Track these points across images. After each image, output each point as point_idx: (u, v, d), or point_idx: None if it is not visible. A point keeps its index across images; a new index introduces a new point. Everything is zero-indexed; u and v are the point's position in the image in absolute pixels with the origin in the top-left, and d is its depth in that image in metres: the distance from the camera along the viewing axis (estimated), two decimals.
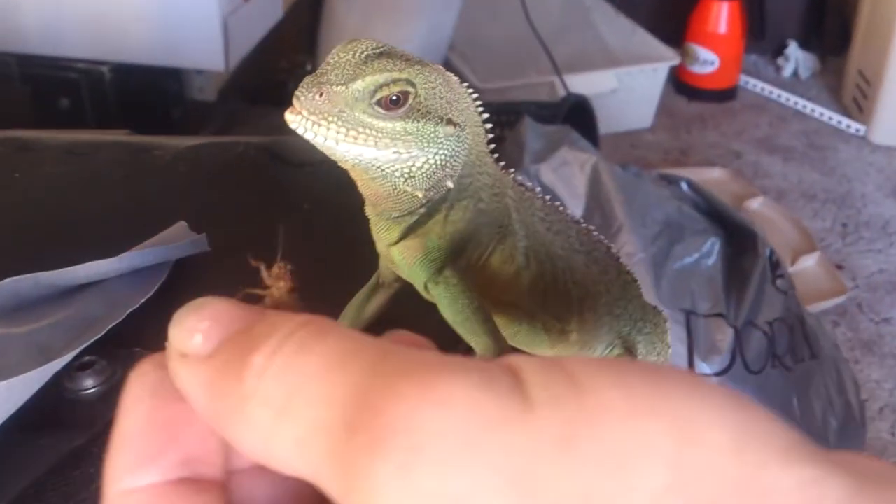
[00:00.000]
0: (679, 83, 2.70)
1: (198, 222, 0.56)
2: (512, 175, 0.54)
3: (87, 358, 0.54)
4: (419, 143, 0.47)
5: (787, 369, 1.30)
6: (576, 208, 1.42)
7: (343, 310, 0.55)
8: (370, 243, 0.51)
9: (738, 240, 1.40)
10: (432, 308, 0.50)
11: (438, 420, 0.18)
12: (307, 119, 0.45)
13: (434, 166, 0.48)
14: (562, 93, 2.20)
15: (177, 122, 1.69)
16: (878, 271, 2.06)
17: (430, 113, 0.47)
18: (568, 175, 1.45)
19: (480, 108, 0.50)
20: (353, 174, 0.49)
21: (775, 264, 1.37)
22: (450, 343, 0.48)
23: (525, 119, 1.57)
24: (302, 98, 0.45)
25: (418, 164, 0.47)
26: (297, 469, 0.20)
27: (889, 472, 0.18)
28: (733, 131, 2.58)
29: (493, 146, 0.52)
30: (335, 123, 0.45)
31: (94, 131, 0.70)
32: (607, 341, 0.62)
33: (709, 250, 1.35)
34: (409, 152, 0.47)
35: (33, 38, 1.50)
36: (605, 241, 0.60)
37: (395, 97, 0.45)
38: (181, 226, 0.56)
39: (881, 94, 2.46)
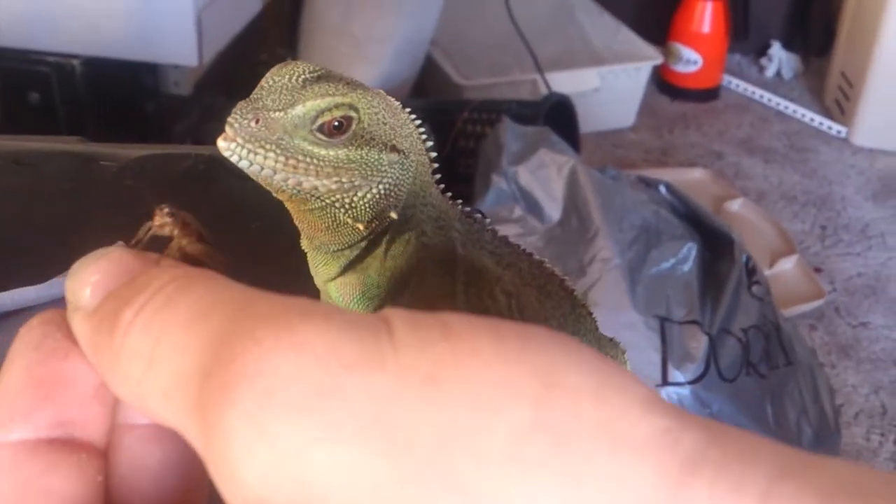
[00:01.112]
0: (662, 82, 2.69)
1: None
2: (459, 206, 0.51)
3: None
4: (362, 172, 0.44)
5: (762, 377, 1.30)
6: (553, 211, 1.41)
7: None
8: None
9: (716, 245, 1.39)
10: None
11: (293, 363, 0.18)
12: (242, 147, 0.42)
13: (377, 196, 0.45)
14: (544, 91, 2.19)
15: (150, 117, 1.66)
16: (856, 275, 2.06)
17: (373, 139, 0.44)
18: (545, 177, 1.44)
19: (424, 136, 0.48)
20: (288, 205, 0.46)
21: (752, 270, 1.36)
22: None
23: (504, 120, 1.55)
24: (236, 125, 0.42)
25: (360, 193, 0.44)
26: (167, 421, 0.20)
27: (747, 435, 0.18)
28: (715, 131, 2.58)
29: (437, 176, 0.50)
30: (273, 151, 0.42)
31: (45, 138, 0.68)
32: None
33: (685, 255, 1.34)
34: (351, 182, 0.44)
35: (2, 31, 1.48)
36: (559, 274, 0.58)
37: (337, 123, 0.43)
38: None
39: (863, 97, 2.46)
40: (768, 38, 2.83)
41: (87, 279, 0.22)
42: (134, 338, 0.20)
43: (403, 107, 0.49)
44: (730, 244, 1.37)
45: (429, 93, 2.34)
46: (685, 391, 1.21)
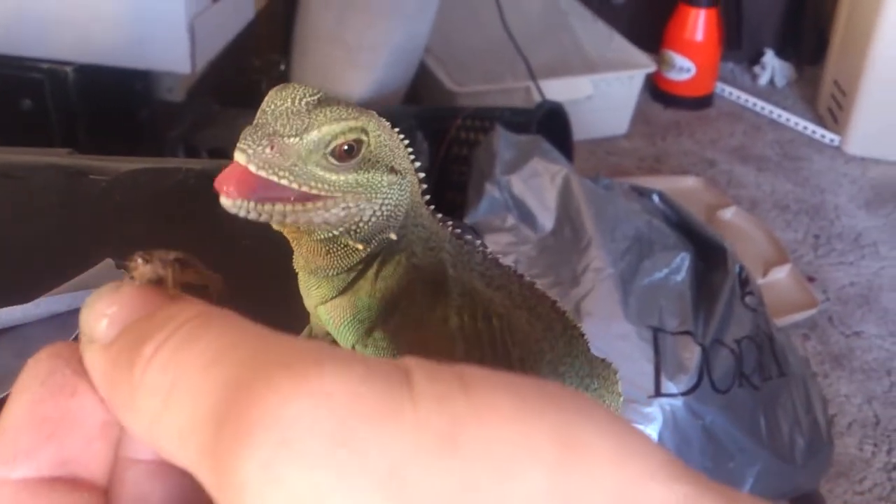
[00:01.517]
0: (655, 90, 2.70)
1: (129, 258, 0.54)
2: (450, 227, 0.51)
3: None
4: (367, 195, 0.44)
5: (755, 388, 1.29)
6: (546, 221, 1.41)
7: None
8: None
9: (708, 255, 1.39)
10: None
11: (310, 413, 0.18)
12: (248, 202, 0.40)
13: (380, 218, 0.44)
14: (537, 98, 2.18)
15: (143, 124, 1.66)
16: (849, 284, 2.05)
17: (378, 162, 0.44)
18: (538, 187, 1.43)
19: (412, 157, 0.48)
20: (291, 234, 0.45)
21: (745, 281, 1.36)
22: None
23: (497, 128, 1.55)
24: (250, 151, 0.40)
25: (365, 217, 0.44)
26: (180, 461, 0.20)
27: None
28: (708, 139, 2.58)
29: (427, 197, 0.49)
30: (286, 179, 0.41)
31: (34, 150, 0.67)
32: None
33: (678, 266, 1.34)
34: (357, 206, 0.43)
35: None
36: (550, 296, 0.57)
37: (347, 147, 0.42)
38: (107, 264, 0.54)
39: (856, 105, 2.46)
40: (761, 46, 2.83)
41: (104, 311, 0.22)
42: (152, 375, 0.20)
43: (397, 114, 0.48)
44: (723, 254, 1.37)
45: (422, 100, 2.33)
46: (678, 402, 1.21)
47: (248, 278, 0.50)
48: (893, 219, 2.28)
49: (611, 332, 1.22)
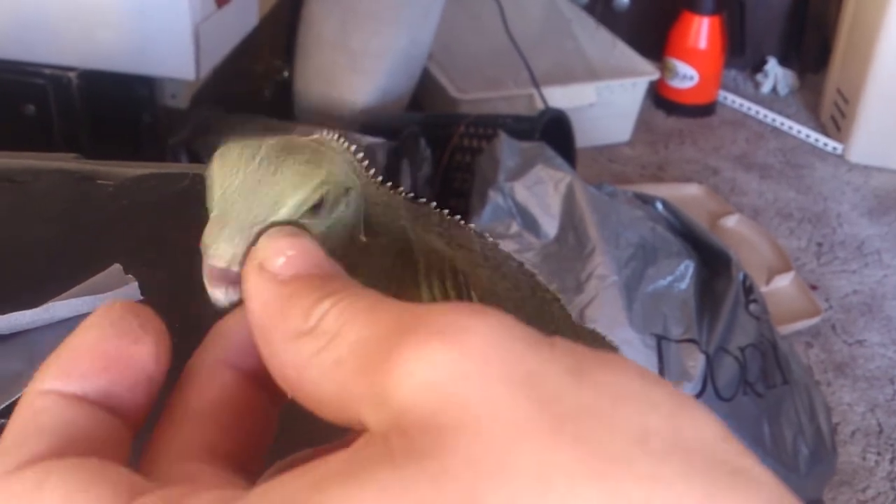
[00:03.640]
0: (658, 97, 2.69)
1: (136, 263, 0.54)
2: (402, 193, 0.50)
3: (2, 421, 0.50)
4: (335, 228, 0.42)
5: (759, 396, 1.29)
6: (550, 228, 1.41)
7: None
8: None
9: (712, 263, 1.38)
10: None
11: (482, 336, 0.21)
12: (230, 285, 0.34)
13: (344, 234, 0.46)
14: (540, 105, 2.18)
15: (147, 130, 1.66)
16: (852, 292, 2.05)
17: (339, 194, 0.41)
18: (542, 193, 1.43)
19: (342, 139, 0.47)
20: None
21: (749, 289, 1.35)
22: None
23: (501, 135, 1.55)
24: (227, 255, 0.34)
25: (334, 239, 0.46)
26: (320, 386, 0.22)
27: None
28: (711, 147, 2.58)
29: (373, 170, 0.49)
30: None
31: (39, 155, 0.67)
32: None
33: (682, 273, 1.34)
34: (331, 241, 0.45)
35: None
36: (516, 258, 0.58)
37: (315, 202, 0.39)
38: (116, 269, 0.54)
39: (859, 113, 2.46)
40: (764, 54, 2.83)
41: (283, 249, 0.26)
42: (326, 321, 0.23)
43: (399, 120, 0.49)
44: (727, 262, 1.37)
45: (425, 106, 2.33)
46: None
47: None
48: None
49: (615, 340, 1.21)
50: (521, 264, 0.56)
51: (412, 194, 0.51)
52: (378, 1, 2.04)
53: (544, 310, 0.58)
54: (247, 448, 0.26)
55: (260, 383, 0.26)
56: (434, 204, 0.52)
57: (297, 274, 0.25)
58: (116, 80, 1.55)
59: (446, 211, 0.52)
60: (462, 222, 0.53)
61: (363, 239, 0.46)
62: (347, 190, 0.44)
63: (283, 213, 0.37)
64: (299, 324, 0.23)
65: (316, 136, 0.45)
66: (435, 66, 2.31)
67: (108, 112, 1.59)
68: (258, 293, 0.25)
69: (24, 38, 1.48)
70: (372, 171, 0.48)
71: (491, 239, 0.54)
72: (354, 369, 0.21)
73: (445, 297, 0.52)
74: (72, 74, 1.50)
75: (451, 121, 1.94)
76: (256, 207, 0.36)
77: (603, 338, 0.63)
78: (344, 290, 0.24)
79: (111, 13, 1.46)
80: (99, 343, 0.24)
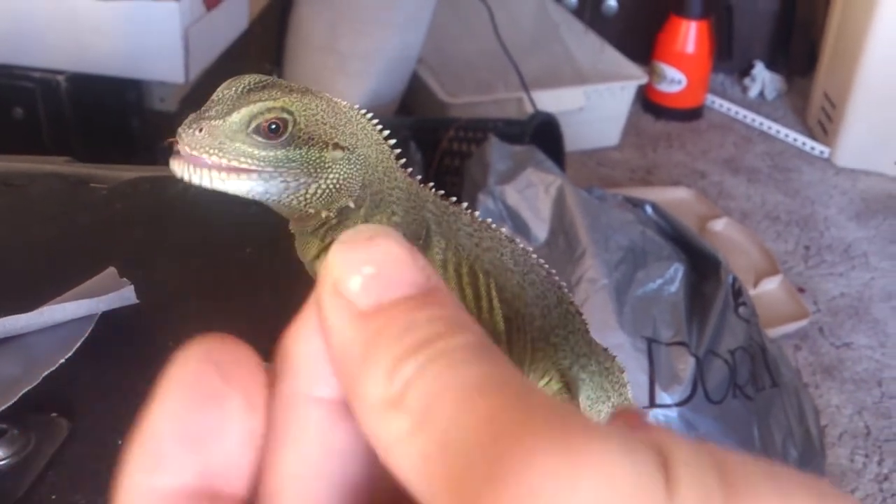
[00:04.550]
0: (646, 101, 2.70)
1: (131, 266, 0.53)
2: (432, 189, 0.55)
3: (2, 426, 0.49)
4: (306, 170, 0.48)
5: (748, 398, 1.29)
6: (540, 231, 1.41)
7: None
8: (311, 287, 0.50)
9: (701, 266, 1.39)
10: None
11: (565, 489, 0.17)
12: (188, 163, 0.46)
13: (329, 190, 0.50)
14: (530, 109, 2.19)
15: (136, 134, 1.65)
16: (839, 295, 2.06)
17: (312, 139, 0.48)
18: (533, 197, 1.44)
19: (379, 127, 0.53)
20: (259, 202, 0.50)
21: (738, 292, 1.36)
22: None
23: (490, 138, 1.55)
24: (184, 135, 0.46)
25: (311, 190, 0.49)
26: (409, 480, 0.19)
27: None
28: (699, 151, 2.59)
29: (403, 161, 0.54)
30: (216, 156, 0.46)
31: (32, 158, 0.67)
32: (542, 370, 0.60)
33: (672, 276, 1.34)
34: (297, 180, 0.48)
35: None
36: (546, 266, 0.59)
37: (273, 125, 0.47)
38: (111, 272, 0.53)
39: (846, 117, 2.47)
40: (751, 58, 2.85)
41: (358, 266, 0.20)
42: (411, 394, 0.19)
43: (388, 124, 0.52)
44: (716, 265, 1.37)
45: (414, 110, 2.33)
46: (672, 413, 1.21)
47: (251, 284, 0.50)
48: (883, 230, 2.29)
49: (605, 343, 1.21)
50: (549, 273, 0.58)
51: (442, 192, 0.54)
52: (367, 4, 2.04)
53: (568, 320, 0.59)
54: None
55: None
56: (466, 205, 0.55)
57: (379, 304, 0.20)
58: (105, 84, 1.54)
59: (477, 213, 0.55)
60: (494, 226, 0.55)
61: (351, 205, 0.50)
62: (336, 145, 0.49)
63: (234, 117, 0.46)
64: (383, 388, 0.19)
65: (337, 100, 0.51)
66: (424, 70, 2.31)
67: (96, 115, 1.58)
68: (336, 325, 0.20)
69: (13, 42, 1.47)
70: (403, 162, 0.53)
71: (522, 245, 0.56)
72: (443, 476, 0.18)
73: (461, 294, 0.54)
74: (60, 78, 1.50)
75: (440, 125, 1.94)
76: (219, 111, 0.47)
77: (613, 357, 0.63)
78: (438, 339, 0.19)
79: (100, 17, 1.45)
80: (180, 418, 0.21)
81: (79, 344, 0.50)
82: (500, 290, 0.55)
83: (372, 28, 2.04)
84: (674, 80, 2.64)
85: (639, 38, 2.68)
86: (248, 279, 0.51)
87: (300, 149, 0.48)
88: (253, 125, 0.47)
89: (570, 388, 0.59)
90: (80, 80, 1.51)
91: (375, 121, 0.53)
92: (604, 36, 2.60)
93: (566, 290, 0.60)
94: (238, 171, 0.47)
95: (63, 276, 0.53)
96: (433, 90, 2.26)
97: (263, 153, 0.47)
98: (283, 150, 0.47)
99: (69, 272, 0.54)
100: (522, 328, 0.56)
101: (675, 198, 2.18)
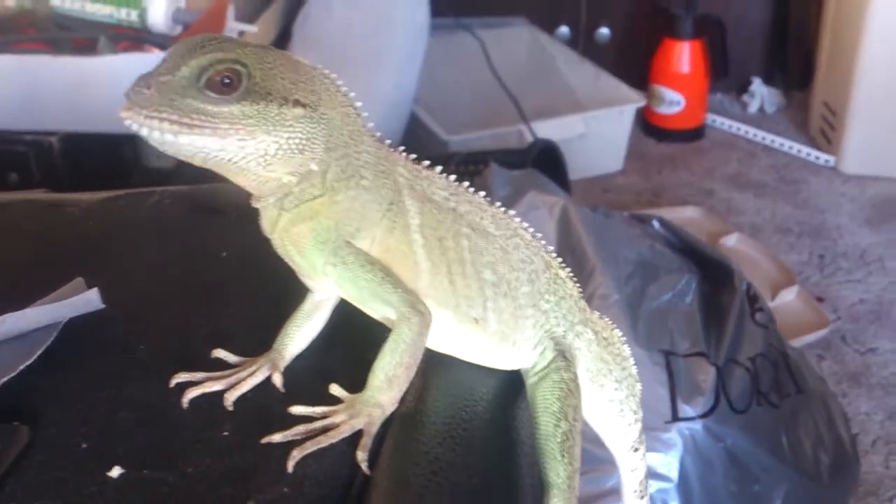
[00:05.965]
0: (647, 125, 2.70)
1: (104, 277, 0.52)
2: (403, 153, 0.53)
3: None
4: (264, 127, 0.45)
5: (773, 406, 1.26)
6: None
7: (275, 339, 0.51)
8: (291, 291, 0.48)
9: (715, 276, 1.36)
10: (380, 327, 0.47)
11: None
12: (138, 114, 0.43)
13: (290, 150, 0.48)
14: (530, 139, 2.18)
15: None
16: (858, 301, 2.03)
17: (270, 94, 0.45)
18: (537, 219, 1.41)
19: (345, 89, 0.50)
20: (218, 171, 0.47)
21: (753, 298, 1.33)
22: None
23: (491, 165, 1.54)
24: (132, 95, 0.44)
25: (271, 150, 0.48)
26: None
27: None
28: (704, 170, 2.57)
29: (371, 125, 0.51)
30: (166, 112, 0.43)
31: (10, 193, 0.66)
32: (534, 339, 0.57)
33: (684, 288, 1.31)
34: (254, 138, 0.46)
35: None
36: (531, 230, 0.57)
37: (225, 79, 0.44)
38: (78, 282, 0.52)
39: (847, 124, 2.46)
40: (748, 74, 2.84)
41: None
42: None
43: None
44: (729, 273, 1.35)
45: (416, 151, 2.32)
46: (697, 426, 1.17)
47: (230, 289, 0.48)
48: None
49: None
50: (535, 236, 0.56)
51: (414, 155, 0.53)
52: (359, 47, 2.04)
53: (556, 285, 0.57)
54: None
55: None
56: (440, 169, 0.54)
57: None
58: (99, 142, 1.53)
59: (453, 177, 0.54)
60: (471, 189, 0.54)
61: (314, 168, 0.47)
62: (296, 101, 0.46)
63: (183, 71, 0.44)
64: None
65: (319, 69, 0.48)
66: (422, 109, 2.31)
67: (92, 175, 1.57)
68: None
69: (2, 107, 1.47)
70: (370, 125, 0.51)
71: (502, 207, 0.55)
72: None
73: (443, 259, 0.52)
74: (53, 138, 1.48)
75: (441, 161, 1.92)
76: (168, 68, 0.44)
77: (613, 327, 0.62)
78: None
79: (90, 72, 1.45)
80: None
81: (41, 350, 0.49)
82: (481, 252, 0.53)
83: (365, 70, 2.04)
84: (672, 102, 2.64)
85: (634, 63, 2.68)
86: (227, 281, 0.50)
87: (257, 104, 0.46)
88: (204, 78, 0.44)
89: (564, 356, 0.57)
90: (73, 139, 1.50)
91: (341, 82, 0.51)
92: (599, 64, 2.60)
93: (554, 254, 0.57)
94: (191, 125, 0.44)
95: (35, 291, 0.52)
96: (433, 130, 2.25)
97: (216, 108, 0.45)
98: (238, 105, 0.45)
99: (40, 288, 0.52)
100: (509, 294, 0.54)
101: (684, 217, 2.16)
